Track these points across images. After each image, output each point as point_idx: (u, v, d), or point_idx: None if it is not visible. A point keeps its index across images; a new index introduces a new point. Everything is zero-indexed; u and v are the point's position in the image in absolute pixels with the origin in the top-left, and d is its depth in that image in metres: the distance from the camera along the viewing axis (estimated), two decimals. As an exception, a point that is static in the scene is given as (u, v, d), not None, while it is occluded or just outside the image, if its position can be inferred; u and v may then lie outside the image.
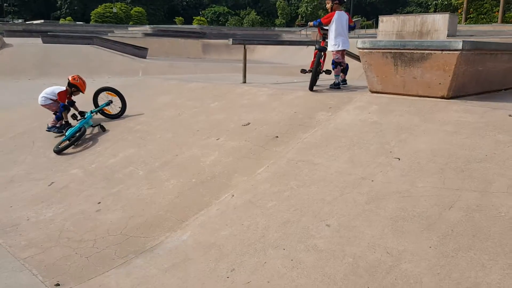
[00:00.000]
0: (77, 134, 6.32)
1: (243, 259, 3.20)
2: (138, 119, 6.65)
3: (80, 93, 7.02)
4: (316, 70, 6.39)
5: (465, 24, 32.09)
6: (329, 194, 3.67)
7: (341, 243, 3.09)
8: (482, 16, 35.96)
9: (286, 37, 36.48)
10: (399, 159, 3.94)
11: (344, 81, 6.98)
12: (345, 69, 6.92)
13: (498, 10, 32.41)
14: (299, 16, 60.01)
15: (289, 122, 5.28)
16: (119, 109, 7.00)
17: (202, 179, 4.53)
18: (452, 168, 3.62)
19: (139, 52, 23.15)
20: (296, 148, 4.61)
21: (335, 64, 6.83)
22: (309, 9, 57.70)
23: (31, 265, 3.54)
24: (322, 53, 6.67)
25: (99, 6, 51.71)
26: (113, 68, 20.47)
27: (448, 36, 20.52)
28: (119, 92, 7.03)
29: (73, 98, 7.06)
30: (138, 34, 31.76)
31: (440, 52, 4.75)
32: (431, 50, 4.81)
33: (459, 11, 37.07)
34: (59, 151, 6.16)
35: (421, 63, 4.93)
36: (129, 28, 37.61)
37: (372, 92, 5.63)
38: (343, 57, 6.95)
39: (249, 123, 5.53)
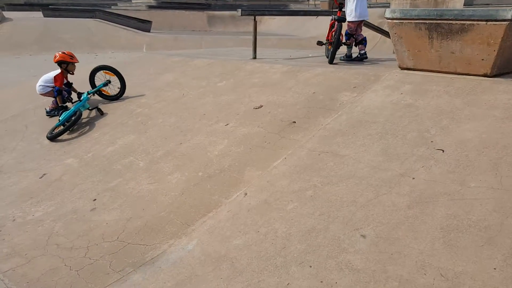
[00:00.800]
0: (73, 118, 5.73)
1: (261, 278, 2.65)
2: (139, 100, 6.04)
3: (76, 66, 6.38)
4: (338, 42, 5.76)
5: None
6: (361, 195, 3.08)
7: (382, 261, 2.52)
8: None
9: (294, 7, 35.17)
10: (443, 151, 3.32)
11: (365, 53, 6.35)
12: (363, 41, 6.32)
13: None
14: (307, -15, 58.04)
15: (307, 104, 4.64)
16: (118, 90, 6.38)
17: (209, 172, 3.96)
18: (509, 164, 3.00)
19: (143, 25, 22.35)
20: (318, 136, 4.00)
21: (348, 35, 6.34)
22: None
23: (11, 281, 3.03)
24: (341, 24, 6.08)
25: (102, -22, 50.22)
26: (116, 42, 19.79)
27: (465, 5, 19.43)
28: (117, 71, 6.39)
29: (70, 78, 6.46)
30: (142, 7, 30.71)
31: (484, 23, 4.03)
32: (473, 20, 4.10)
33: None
34: (52, 137, 5.60)
35: (461, 36, 4.23)
36: (133, 1, 36.43)
37: (402, 68, 4.95)
38: (361, 29, 6.41)
39: (261, 106, 4.91)
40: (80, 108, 5.90)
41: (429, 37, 4.49)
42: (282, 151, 3.95)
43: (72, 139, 5.52)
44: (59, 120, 5.84)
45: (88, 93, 6.12)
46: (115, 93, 6.37)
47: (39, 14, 23.67)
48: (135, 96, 6.23)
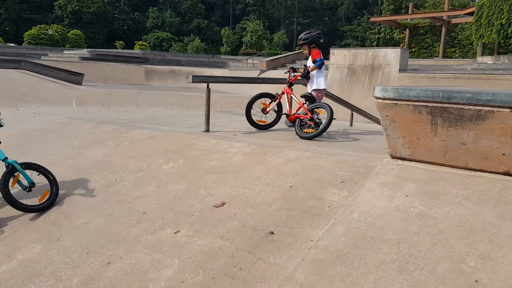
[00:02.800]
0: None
1: None
2: (55, 187, 4.57)
3: None
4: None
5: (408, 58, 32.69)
6: None
7: None
8: (424, 50, 37.03)
9: (232, 65, 35.38)
10: (499, 299, 2.31)
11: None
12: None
13: (439, 45, 33.39)
14: (244, 44, 59.34)
15: (286, 204, 3.53)
16: (46, 199, 4.25)
17: (153, 323, 2.62)
18: None
19: (74, 78, 20.65)
20: (309, 260, 2.85)
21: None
22: (253, 38, 57.19)
23: None
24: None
25: (33, 27, 47.66)
26: (43, 95, 17.85)
27: (399, 71, 20.21)
28: (43, 169, 4.44)
29: None
30: (75, 58, 28.99)
31: (508, 110, 3.27)
32: (493, 106, 3.32)
33: (401, 45, 37.93)
34: None
35: (475, 124, 3.43)
36: (65, 52, 34.49)
37: (394, 157, 4.06)
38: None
39: (224, 203, 3.72)
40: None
41: (432, 123, 3.65)
42: (261, 286, 2.74)
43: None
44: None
45: None
46: (39, 203, 4.20)
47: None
48: (51, 179, 4.75)
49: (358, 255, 2.81)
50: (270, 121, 6.15)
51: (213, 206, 3.71)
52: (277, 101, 6.04)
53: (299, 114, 5.87)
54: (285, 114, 6.17)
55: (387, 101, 3.86)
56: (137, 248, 3.32)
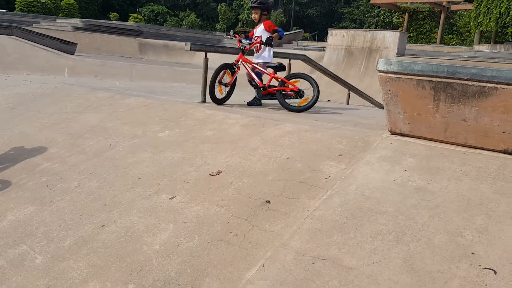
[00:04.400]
0: None
1: None
2: (47, 150, 4.49)
3: None
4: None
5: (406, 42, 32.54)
6: None
7: None
8: (422, 35, 36.88)
9: (227, 42, 34.92)
10: (495, 272, 2.32)
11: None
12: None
13: (437, 31, 33.26)
14: (240, 22, 58.49)
15: (282, 175, 3.50)
16: None
17: (146, 286, 2.60)
18: None
19: (67, 47, 20.25)
20: (305, 228, 2.84)
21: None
22: (250, 16, 56.42)
23: None
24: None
25: (27, -6, 46.44)
26: (34, 63, 17.52)
27: (397, 54, 20.11)
28: None
29: None
30: (67, 27, 28.30)
31: (511, 87, 3.24)
32: (497, 83, 3.29)
33: (400, 29, 37.70)
34: None
35: (478, 101, 3.40)
36: (58, 21, 33.66)
37: (393, 133, 4.03)
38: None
39: (220, 172, 3.68)
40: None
41: (434, 98, 3.61)
42: (257, 252, 2.72)
43: None
44: None
45: None
46: None
47: None
48: (43, 143, 4.67)
49: (355, 226, 2.80)
50: (224, 95, 5.72)
51: (209, 174, 3.67)
52: (237, 72, 5.63)
53: (276, 86, 5.55)
54: (254, 86, 5.73)
55: (390, 75, 3.80)
56: (131, 212, 3.28)
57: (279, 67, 5.51)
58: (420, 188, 3.08)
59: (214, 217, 3.10)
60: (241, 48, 5.62)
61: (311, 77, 5.37)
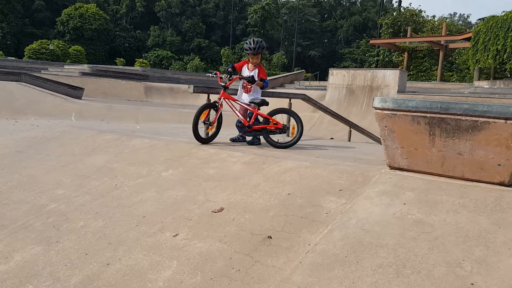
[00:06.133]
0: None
1: None
2: (54, 191, 4.60)
3: None
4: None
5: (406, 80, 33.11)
6: None
7: None
8: (422, 73, 37.50)
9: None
10: (496, 302, 2.34)
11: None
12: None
13: (437, 69, 33.87)
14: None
15: (284, 210, 3.57)
16: None
17: (151, 321, 2.62)
18: None
19: (74, 92, 20.82)
20: (307, 263, 2.88)
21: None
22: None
23: None
24: None
25: (35, 42, 48.14)
26: (42, 108, 17.97)
27: (398, 92, 20.44)
28: None
29: None
30: (75, 73, 29.18)
31: (503, 121, 3.35)
32: (489, 117, 3.41)
33: (400, 68, 38.47)
34: None
35: (472, 135, 3.51)
36: (66, 66, 34.77)
37: (392, 168, 4.12)
38: None
39: (222, 209, 3.75)
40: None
41: (430, 133, 3.73)
42: (259, 287, 2.75)
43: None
44: None
45: None
46: None
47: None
48: (50, 185, 4.79)
49: (356, 259, 2.84)
50: (210, 134, 5.76)
51: (212, 211, 3.74)
52: (220, 109, 5.57)
53: (261, 123, 5.59)
54: (238, 125, 5.73)
55: (386, 112, 3.95)
56: (136, 250, 3.34)
57: (262, 103, 5.56)
58: (419, 221, 3.13)
59: (217, 253, 3.15)
60: (222, 85, 5.61)
61: (294, 112, 5.50)
